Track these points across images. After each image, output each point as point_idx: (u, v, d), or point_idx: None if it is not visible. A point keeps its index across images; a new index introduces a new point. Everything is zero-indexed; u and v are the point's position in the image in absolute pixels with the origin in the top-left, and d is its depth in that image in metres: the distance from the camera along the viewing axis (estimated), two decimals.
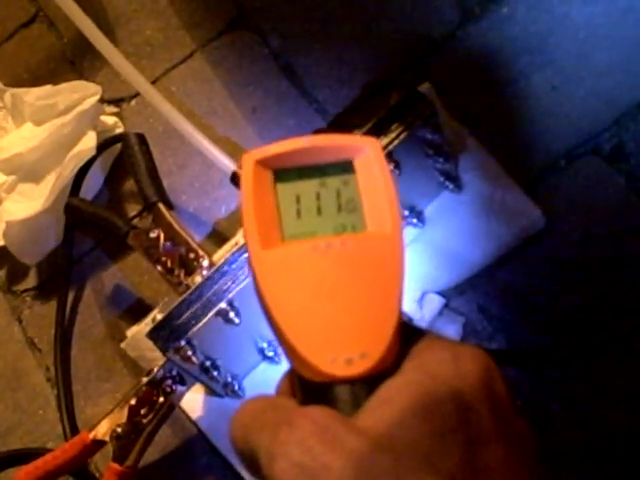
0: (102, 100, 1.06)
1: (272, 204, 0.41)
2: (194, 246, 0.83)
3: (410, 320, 0.84)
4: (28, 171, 1.04)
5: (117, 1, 1.17)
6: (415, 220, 0.88)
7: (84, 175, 0.98)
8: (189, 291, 0.76)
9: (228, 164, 0.84)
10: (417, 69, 0.97)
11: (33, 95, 1.05)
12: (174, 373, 0.81)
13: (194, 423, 0.89)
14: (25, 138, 1.05)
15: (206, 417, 0.89)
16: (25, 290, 1.06)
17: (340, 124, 0.98)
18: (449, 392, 0.35)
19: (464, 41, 0.96)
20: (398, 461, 0.32)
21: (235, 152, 0.96)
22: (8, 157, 1.03)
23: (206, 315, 0.75)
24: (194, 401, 0.89)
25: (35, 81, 1.12)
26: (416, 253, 0.88)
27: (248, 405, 0.39)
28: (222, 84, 1.06)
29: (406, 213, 0.87)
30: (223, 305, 0.75)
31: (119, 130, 1.08)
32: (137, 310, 0.97)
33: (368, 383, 0.36)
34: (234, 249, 0.77)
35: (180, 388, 0.82)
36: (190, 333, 0.75)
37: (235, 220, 0.98)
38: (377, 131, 0.79)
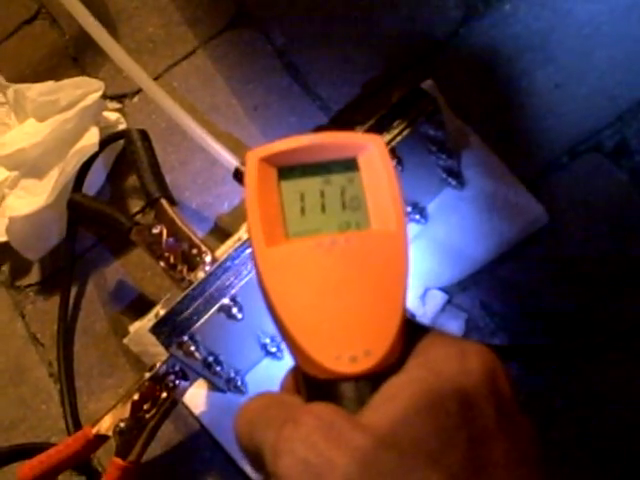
0: (105, 96, 1.06)
1: (276, 202, 0.41)
2: (197, 242, 0.83)
3: (413, 316, 0.84)
4: (31, 167, 1.04)
5: None
6: (418, 216, 0.88)
7: (87, 171, 0.98)
8: (192, 287, 0.76)
9: (231, 160, 0.84)
10: (420, 66, 0.97)
11: (36, 91, 1.05)
12: (177, 368, 0.81)
13: (197, 418, 0.89)
14: (28, 134, 1.05)
15: (209, 412, 0.89)
16: (28, 285, 1.06)
17: (342, 121, 0.98)
18: (453, 389, 0.35)
19: (467, 38, 0.96)
20: (402, 458, 0.32)
21: (237, 148, 0.96)
22: (11, 153, 1.03)
23: (209, 311, 0.75)
24: (197, 396, 0.89)
25: (37, 77, 1.12)
26: (419, 249, 0.88)
27: (253, 402, 0.39)
28: (224, 81, 1.06)
29: (409, 209, 0.87)
30: (226, 301, 0.75)
31: (122, 126, 1.08)
32: (140, 306, 0.97)
33: (372, 380, 0.36)
34: (237, 245, 0.78)
35: (183, 383, 0.82)
36: (193, 329, 0.75)
37: (238, 216, 0.98)
38: (380, 127, 0.79)
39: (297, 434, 0.34)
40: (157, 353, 0.82)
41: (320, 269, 0.38)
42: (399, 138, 0.78)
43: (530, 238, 0.86)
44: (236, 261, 0.76)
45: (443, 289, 0.87)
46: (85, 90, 1.01)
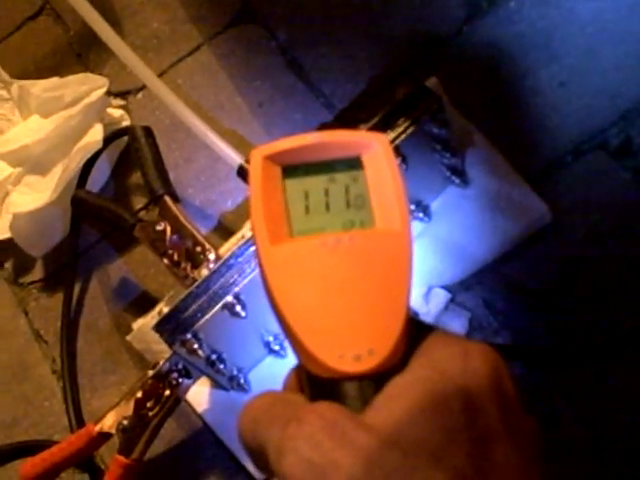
0: (109, 93, 1.06)
1: (280, 200, 0.41)
2: (200, 239, 0.83)
3: (416, 315, 0.84)
4: (35, 163, 1.04)
5: None
6: (421, 215, 0.88)
7: (91, 168, 0.98)
8: (195, 284, 0.76)
9: (235, 157, 0.84)
10: (424, 64, 0.97)
11: (40, 87, 1.05)
12: (180, 366, 0.81)
13: (200, 416, 0.89)
14: (32, 130, 1.05)
15: (212, 410, 0.89)
16: (31, 282, 1.06)
17: (346, 119, 0.98)
18: (457, 389, 0.35)
19: (471, 36, 0.96)
20: (406, 458, 0.32)
21: (241, 146, 0.96)
22: (15, 149, 1.04)
23: (212, 308, 0.75)
24: (200, 394, 0.89)
25: (42, 73, 1.13)
26: (422, 248, 0.88)
27: (257, 400, 0.39)
28: (229, 77, 1.06)
29: (412, 208, 0.87)
30: (229, 298, 0.75)
31: (126, 123, 1.08)
32: (143, 303, 0.97)
33: (376, 379, 0.36)
34: (240, 242, 0.78)
35: (186, 381, 0.82)
36: (196, 326, 0.75)
37: (241, 213, 0.98)
38: (384, 125, 0.79)
39: (301, 433, 0.34)
40: (160, 350, 0.82)
41: (324, 268, 0.38)
42: (403, 136, 0.78)
43: (533, 237, 0.86)
44: (240, 259, 0.76)
45: (446, 288, 0.87)
46: (89, 87, 1.01)
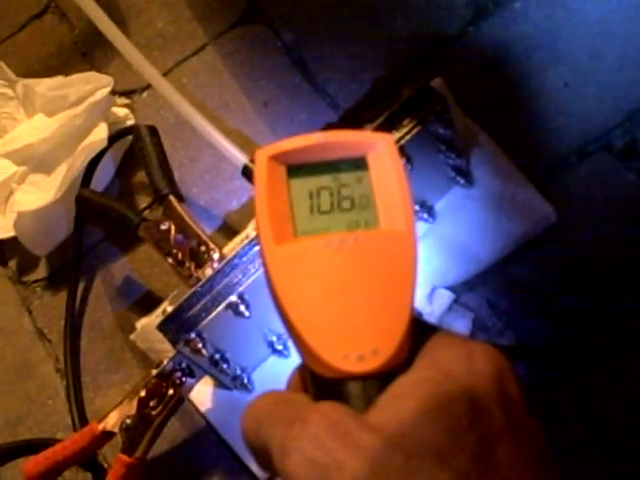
0: (114, 92, 1.06)
1: (285, 200, 0.41)
2: (205, 239, 0.83)
3: (420, 315, 0.84)
4: (39, 162, 1.04)
5: None
6: (426, 215, 0.88)
7: (95, 166, 0.98)
8: (199, 284, 0.76)
9: (239, 157, 0.84)
10: (429, 65, 0.97)
11: (45, 86, 1.05)
12: (184, 365, 0.81)
13: (203, 416, 0.90)
14: (36, 129, 1.06)
15: (215, 410, 0.89)
16: (35, 281, 1.06)
17: (351, 119, 0.98)
18: (462, 390, 0.35)
19: (476, 37, 0.96)
20: (410, 458, 0.32)
21: (246, 145, 0.96)
22: (19, 148, 1.04)
23: (216, 308, 0.75)
24: (203, 394, 0.89)
25: (47, 72, 1.13)
26: (426, 248, 0.88)
27: (260, 400, 0.39)
28: (234, 77, 1.06)
29: (417, 208, 0.87)
30: (233, 298, 0.75)
31: (130, 122, 1.08)
32: (147, 302, 0.97)
33: (380, 379, 0.36)
34: (245, 242, 0.78)
35: (189, 380, 0.82)
36: (200, 326, 0.75)
37: (246, 213, 0.98)
38: (389, 126, 0.79)
39: (305, 433, 0.34)
40: (164, 350, 0.82)
41: (329, 268, 0.38)
42: (408, 137, 0.78)
43: (538, 237, 0.86)
44: (244, 258, 0.76)
45: (450, 288, 0.87)
46: (94, 85, 1.01)
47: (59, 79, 1.05)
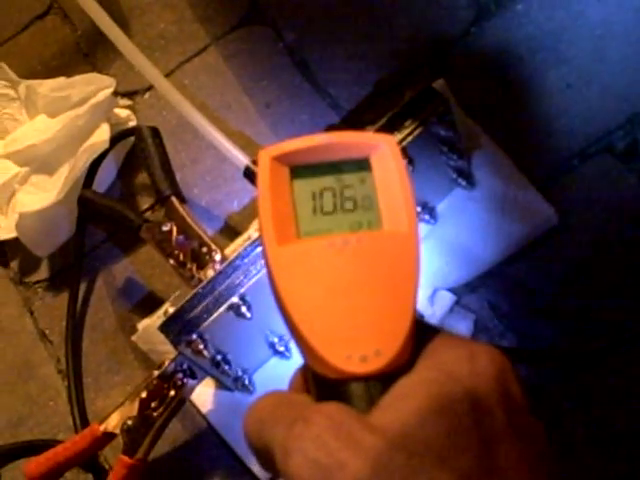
0: (116, 93, 1.06)
1: (288, 201, 0.41)
2: (206, 240, 0.83)
3: (421, 317, 0.84)
4: (41, 163, 1.04)
5: None
6: (427, 217, 0.88)
7: (97, 168, 0.98)
8: (201, 285, 0.76)
9: (241, 158, 0.84)
10: (431, 66, 0.97)
11: (47, 87, 1.05)
12: (185, 367, 0.81)
13: (204, 417, 0.89)
14: (39, 130, 1.06)
15: (216, 411, 0.89)
16: (37, 282, 1.06)
17: (353, 120, 0.98)
18: (464, 391, 0.35)
19: (479, 38, 0.96)
20: (412, 459, 0.32)
21: (248, 146, 0.96)
22: (21, 149, 1.04)
23: (218, 309, 0.75)
24: (204, 395, 0.89)
25: (49, 73, 1.13)
26: (428, 250, 0.88)
27: (262, 400, 0.39)
28: (236, 78, 1.06)
29: (418, 209, 0.87)
30: (235, 299, 0.75)
31: (132, 123, 1.08)
32: (148, 303, 0.97)
33: (382, 380, 0.36)
34: (246, 243, 0.78)
35: (191, 382, 0.82)
36: (202, 327, 0.75)
37: (247, 214, 0.98)
38: (391, 127, 0.79)
39: (308, 433, 0.34)
40: (165, 351, 0.82)
41: (331, 268, 0.38)
42: (410, 138, 0.78)
43: (539, 239, 0.86)
44: (245, 260, 0.76)
45: (452, 290, 0.87)
46: (96, 87, 1.01)
47: (61, 80, 1.05)
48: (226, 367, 0.81)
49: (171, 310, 0.77)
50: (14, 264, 1.09)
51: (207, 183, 1.02)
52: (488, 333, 0.85)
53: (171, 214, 0.86)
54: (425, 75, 0.96)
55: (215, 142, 0.87)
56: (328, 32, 1.03)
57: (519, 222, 0.86)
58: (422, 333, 0.39)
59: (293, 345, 0.86)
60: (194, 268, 0.81)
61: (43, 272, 1.06)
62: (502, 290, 0.86)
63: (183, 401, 0.82)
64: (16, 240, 1.01)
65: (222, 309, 0.75)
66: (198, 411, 0.90)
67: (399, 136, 0.78)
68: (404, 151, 0.77)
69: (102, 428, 0.81)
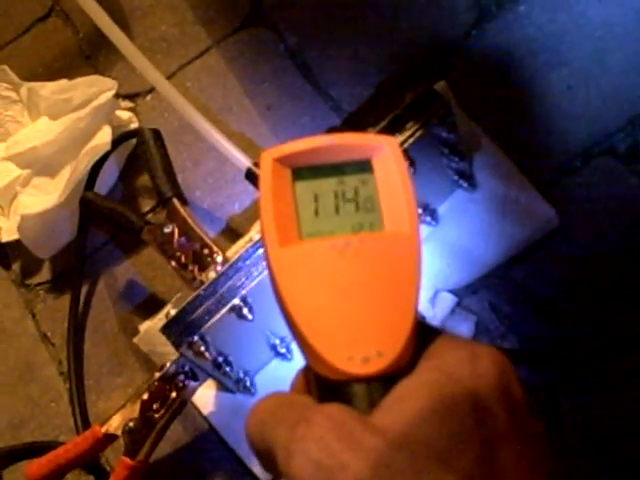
0: (117, 95, 1.06)
1: (290, 202, 0.41)
2: (208, 242, 0.83)
3: (423, 318, 0.84)
4: (43, 165, 1.04)
5: None
6: (429, 218, 0.88)
7: (99, 169, 0.98)
8: (203, 287, 0.76)
9: (243, 160, 0.84)
10: (433, 68, 0.97)
11: (49, 89, 1.05)
12: (186, 368, 0.81)
13: (206, 419, 0.89)
14: (40, 132, 1.06)
15: (218, 413, 0.89)
16: (39, 284, 1.06)
17: (354, 122, 0.98)
18: (465, 392, 0.35)
19: (480, 40, 0.96)
20: (414, 460, 0.32)
21: (250, 148, 0.96)
22: (23, 151, 1.04)
23: (219, 311, 0.75)
24: (206, 397, 0.89)
25: (51, 75, 1.13)
26: (429, 251, 0.88)
27: (264, 401, 0.39)
28: (237, 80, 1.06)
29: (420, 211, 0.87)
30: (237, 301, 0.75)
31: (134, 125, 1.08)
32: (150, 305, 0.97)
33: (384, 382, 0.36)
34: (248, 245, 0.78)
35: (192, 384, 0.82)
36: (203, 329, 0.75)
37: (249, 216, 0.98)
38: (392, 129, 0.79)
39: (310, 434, 0.34)
40: (167, 353, 0.82)
41: (333, 270, 0.38)
42: (411, 140, 0.78)
43: (541, 241, 0.86)
44: (247, 261, 0.76)
45: (453, 291, 0.87)
46: (98, 89, 1.01)
47: (63, 82, 1.05)
48: (228, 369, 0.82)
49: (173, 312, 0.77)
50: (16, 266, 1.09)
51: (209, 185, 1.02)
52: (489, 335, 0.85)
53: (173, 216, 0.86)
54: (426, 77, 0.96)
55: (217, 144, 0.87)
56: (329, 35, 1.04)
57: (520, 224, 0.86)
58: (424, 334, 0.39)
59: (294, 347, 0.86)
60: (196, 270, 0.82)
61: (45, 274, 1.06)
62: (503, 292, 0.86)
63: (185, 403, 0.82)
64: (18, 242, 1.01)
65: (224, 311, 0.75)
66: (200, 413, 0.90)
67: (400, 138, 0.78)
68: (405, 153, 0.77)
69: (103, 430, 0.81)
